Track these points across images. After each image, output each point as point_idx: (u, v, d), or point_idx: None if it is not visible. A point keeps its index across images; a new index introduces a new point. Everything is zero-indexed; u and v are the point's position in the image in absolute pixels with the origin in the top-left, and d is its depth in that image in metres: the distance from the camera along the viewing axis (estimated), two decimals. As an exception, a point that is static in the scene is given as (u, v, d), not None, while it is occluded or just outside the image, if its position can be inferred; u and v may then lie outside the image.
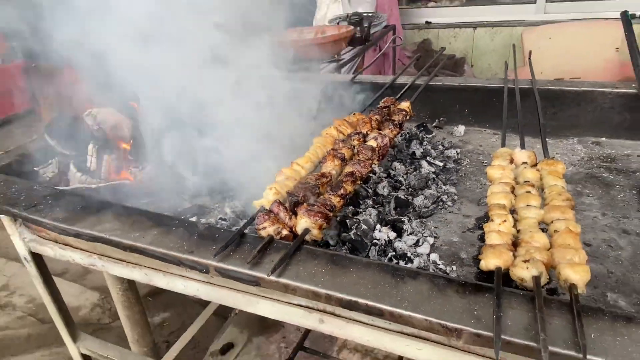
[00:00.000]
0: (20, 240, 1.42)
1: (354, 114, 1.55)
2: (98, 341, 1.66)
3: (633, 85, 1.61)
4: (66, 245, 1.34)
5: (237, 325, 2.81)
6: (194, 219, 1.33)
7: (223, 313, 2.97)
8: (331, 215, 1.03)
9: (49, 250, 1.39)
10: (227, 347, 2.64)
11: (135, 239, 1.02)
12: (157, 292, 3.46)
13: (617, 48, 3.75)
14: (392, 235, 1.16)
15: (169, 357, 2.26)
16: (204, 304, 3.33)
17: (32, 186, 1.29)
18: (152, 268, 1.21)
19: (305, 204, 1.04)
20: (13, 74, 6.28)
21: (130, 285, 2.09)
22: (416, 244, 1.13)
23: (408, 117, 1.57)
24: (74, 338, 1.65)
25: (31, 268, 1.49)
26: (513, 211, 0.98)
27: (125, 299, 2.08)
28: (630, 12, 3.75)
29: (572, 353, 0.66)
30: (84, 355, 1.69)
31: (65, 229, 1.09)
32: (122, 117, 1.42)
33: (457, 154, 1.59)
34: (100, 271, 3.85)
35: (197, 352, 2.82)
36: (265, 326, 2.78)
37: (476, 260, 1.08)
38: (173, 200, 1.44)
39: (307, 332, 1.82)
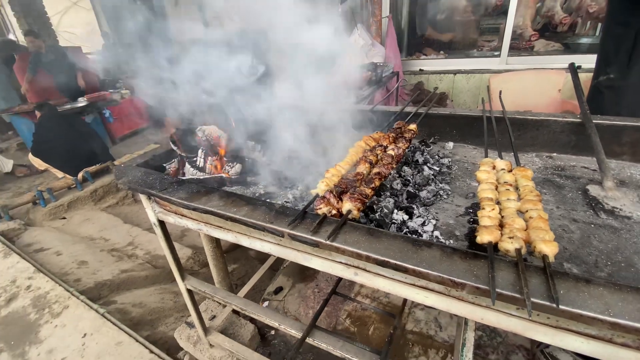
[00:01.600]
0: (152, 211, 1.47)
1: (377, 132, 1.54)
2: (198, 280, 1.70)
3: (578, 115, 1.55)
4: (183, 215, 1.38)
5: (285, 275, 2.84)
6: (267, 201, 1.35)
7: (274, 267, 3.00)
8: (366, 201, 1.03)
9: (171, 219, 1.43)
10: (278, 290, 2.67)
11: (234, 213, 1.05)
12: (228, 251, 3.52)
13: (559, 90, 3.60)
14: (406, 217, 1.16)
15: (241, 294, 2.30)
16: (261, 260, 3.38)
17: (163, 176, 1.33)
18: (240, 232, 1.24)
19: (348, 193, 1.05)
20: (138, 102, 6.52)
21: (217, 244, 2.14)
22: (423, 224, 1.12)
23: (414, 135, 1.55)
24: (183, 278, 1.70)
25: (158, 231, 1.54)
26: (497, 203, 0.96)
27: (213, 253, 2.13)
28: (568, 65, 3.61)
29: (547, 303, 0.65)
30: (188, 290, 1.74)
31: (187, 205, 1.13)
32: (221, 131, 1.46)
33: (449, 162, 1.56)
34: (192, 235, 3.92)
35: (256, 292, 2.86)
36: (304, 277, 2.80)
37: (467, 236, 1.06)
38: (252, 188, 1.47)
39: (338, 282, 1.82)
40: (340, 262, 1.06)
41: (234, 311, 2.32)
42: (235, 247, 3.58)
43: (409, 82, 4.56)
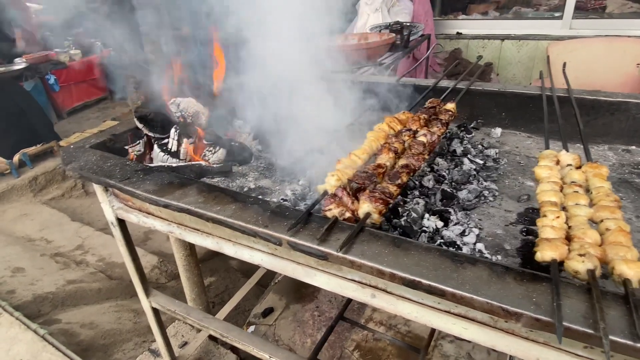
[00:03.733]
0: (109, 207, 1.46)
1: (404, 112, 1.51)
2: (166, 297, 1.70)
3: (668, 97, 1.51)
4: (149, 213, 1.37)
5: (277, 293, 2.84)
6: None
7: (261, 281, 3.00)
8: (390, 202, 1.01)
9: (133, 217, 1.42)
10: (268, 311, 2.67)
11: (218, 212, 1.03)
12: (204, 259, 3.53)
13: (638, 64, 3.55)
14: (440, 224, 1.14)
15: (220, 315, 2.30)
16: (244, 271, 3.39)
17: (124, 162, 1.32)
18: (223, 238, 1.23)
19: (367, 190, 1.03)
20: (91, 66, 6.49)
21: (192, 251, 2.13)
22: (462, 234, 1.10)
23: (452, 117, 1.52)
24: (147, 294, 1.70)
25: (116, 232, 1.53)
26: (562, 208, 0.94)
27: (187, 262, 2.13)
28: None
29: (630, 342, 0.63)
30: (154, 309, 1.73)
31: (156, 200, 1.11)
32: (201, 107, 1.44)
33: (496, 153, 1.54)
34: (158, 238, 3.94)
35: (239, 314, 2.86)
36: (301, 296, 2.80)
37: (519, 251, 1.04)
38: (239, 181, 1.45)
39: (347, 305, 1.81)
40: (354, 280, 1.05)
41: (211, 337, 2.32)
42: (213, 255, 3.58)
43: (443, 48, 4.51)
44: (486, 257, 1.02)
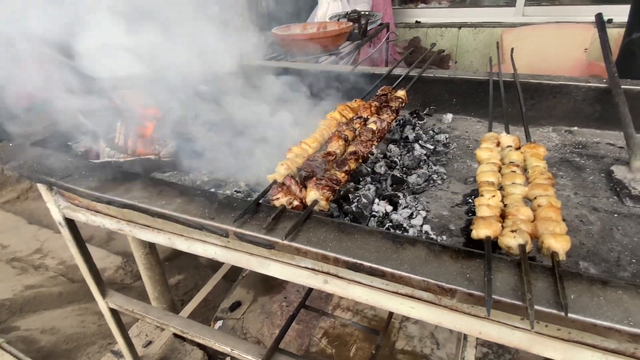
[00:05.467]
0: (56, 207, 1.40)
1: (355, 100, 1.52)
2: (124, 297, 1.65)
3: (604, 80, 1.59)
4: (97, 212, 1.32)
5: (245, 286, 2.83)
6: (211, 190, 1.32)
7: (231, 276, 2.98)
8: (337, 188, 1.02)
9: (81, 216, 1.37)
10: (236, 305, 2.66)
11: (162, 207, 1.00)
12: (171, 257, 3.47)
13: (586, 49, 3.71)
14: (389, 208, 1.16)
15: (185, 312, 2.27)
16: (214, 268, 3.35)
17: (67, 159, 1.26)
18: (174, 233, 1.20)
19: (314, 178, 1.03)
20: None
21: (151, 250, 2.08)
22: (410, 217, 1.13)
23: (403, 104, 1.54)
24: (103, 295, 1.64)
25: (65, 232, 1.47)
26: (500, 188, 0.97)
27: (147, 261, 2.08)
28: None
29: (555, 311, 0.66)
30: (111, 310, 1.68)
31: (98, 197, 1.07)
32: (148, 97, 1.39)
33: (446, 138, 1.57)
34: (122, 238, 3.85)
35: (209, 310, 2.84)
36: (269, 287, 2.79)
37: (463, 231, 1.07)
38: (192, 174, 1.42)
39: (309, 293, 1.82)
40: (306, 268, 1.05)
41: (177, 335, 2.28)
42: (180, 253, 3.52)
43: (401, 37, 4.55)
44: (431, 238, 1.04)
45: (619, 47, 2.33)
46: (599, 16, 1.76)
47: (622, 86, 1.50)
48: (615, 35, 3.90)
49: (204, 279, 3.39)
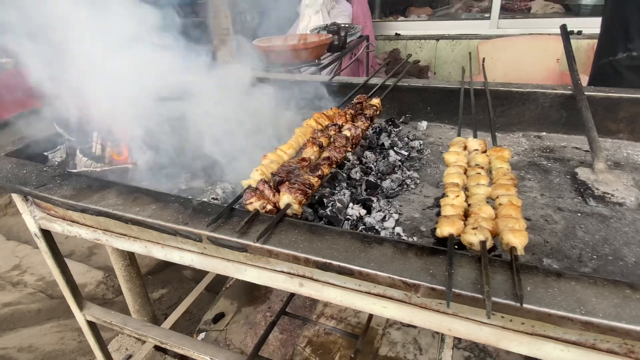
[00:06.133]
0: (31, 218, 1.39)
1: (331, 108, 1.55)
2: (102, 309, 1.63)
3: (569, 87, 1.66)
4: (73, 222, 1.32)
5: (228, 297, 2.81)
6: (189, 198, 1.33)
7: (215, 289, 2.96)
8: (310, 192, 1.04)
9: (57, 227, 1.36)
10: (219, 316, 2.63)
11: (136, 213, 1.01)
12: (155, 271, 3.43)
13: (558, 59, 3.85)
14: (363, 212, 1.18)
15: (166, 325, 2.24)
16: (199, 280, 3.32)
17: (42, 168, 1.26)
18: (151, 241, 1.20)
19: (287, 183, 1.05)
20: (18, 77, 6.08)
21: (132, 261, 2.06)
22: (383, 219, 1.15)
23: (378, 112, 1.59)
24: (81, 307, 1.62)
25: (41, 244, 1.46)
26: (465, 189, 1.01)
27: (127, 273, 2.06)
28: (568, 29, 3.83)
29: (511, 302, 0.69)
30: (89, 322, 1.66)
31: (72, 205, 1.08)
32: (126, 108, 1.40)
33: (420, 145, 1.62)
34: (104, 252, 3.79)
35: (192, 323, 2.80)
36: (253, 298, 2.78)
37: (433, 232, 1.10)
38: (170, 183, 1.43)
39: (289, 300, 1.83)
40: (282, 272, 1.07)
41: (158, 348, 2.25)
42: (164, 266, 3.49)
43: (381, 49, 4.65)
44: (402, 239, 1.07)
45: (589, 58, 2.39)
46: (563, 27, 1.85)
47: (585, 93, 1.58)
48: (585, 46, 4.06)
49: (188, 293, 3.35)
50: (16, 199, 1.37)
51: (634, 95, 1.58)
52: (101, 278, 3.38)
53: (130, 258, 2.03)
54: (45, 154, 1.43)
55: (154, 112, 1.49)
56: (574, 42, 4.04)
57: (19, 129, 1.54)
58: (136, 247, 1.24)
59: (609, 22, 2.14)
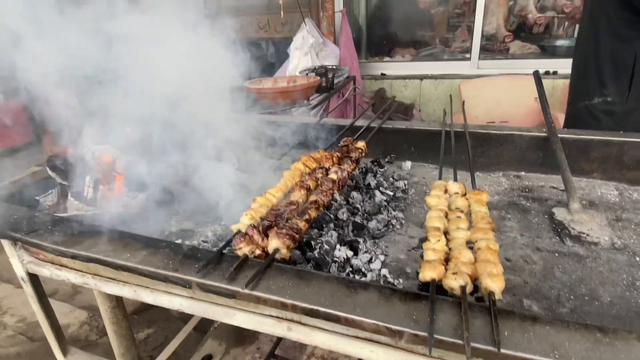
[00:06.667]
0: (19, 262, 1.38)
1: (319, 151, 1.61)
2: (87, 354, 1.60)
3: (544, 129, 1.75)
4: (62, 266, 1.32)
5: (216, 338, 2.75)
6: (179, 241, 1.35)
7: (202, 328, 2.90)
8: (297, 237, 1.07)
9: (46, 271, 1.36)
10: (207, 358, 2.57)
11: (127, 259, 1.03)
12: (141, 310, 3.36)
13: (536, 98, 4.02)
14: (350, 253, 1.21)
15: (152, 368, 2.18)
16: (186, 320, 3.25)
17: (33, 213, 1.28)
18: (140, 285, 1.21)
19: (275, 227, 1.08)
20: (14, 110, 6.11)
21: (118, 303, 2.03)
22: (370, 261, 1.19)
23: (363, 154, 1.65)
24: (64, 352, 1.59)
25: (27, 288, 1.45)
26: (446, 233, 1.06)
27: (113, 315, 2.02)
28: (544, 70, 4.06)
29: (490, 348, 0.72)
30: (73, 369, 1.62)
31: (63, 252, 1.09)
32: (118, 153, 1.44)
33: (405, 185, 1.67)
34: (88, 291, 3.71)
35: (180, 366, 2.73)
36: (241, 338, 2.73)
37: (418, 274, 1.14)
38: (161, 225, 1.45)
39: (278, 342, 1.81)
40: (270, 316, 1.08)
41: (143, 393, 2.18)
42: (151, 305, 3.42)
43: (367, 88, 4.83)
44: (389, 281, 1.10)
45: (565, 96, 2.50)
46: (536, 73, 1.97)
47: (559, 135, 1.67)
48: (561, 85, 4.27)
49: (175, 333, 3.26)
50: (4, 243, 1.37)
51: (603, 138, 1.67)
52: (85, 318, 3.29)
53: (117, 299, 2.00)
54: (37, 198, 1.45)
55: (145, 155, 1.54)
56: (550, 81, 4.28)
57: (8, 171, 1.57)
58: (125, 292, 1.24)
59: (583, 69, 2.24)
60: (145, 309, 3.40)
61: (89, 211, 1.38)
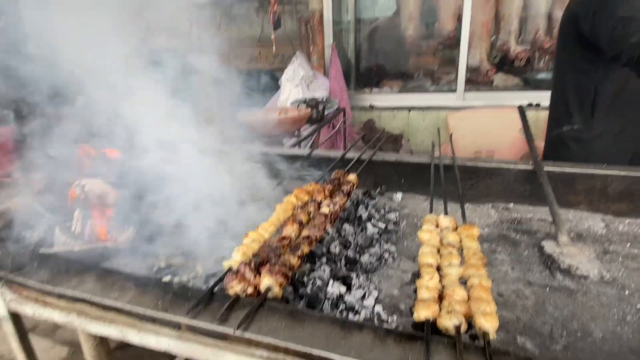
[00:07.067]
0: (1, 299, 1.33)
1: (311, 183, 1.62)
2: (68, 397, 1.52)
3: (530, 162, 1.79)
4: (46, 304, 1.27)
5: (204, 375, 2.64)
6: (168, 277, 1.32)
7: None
8: (290, 274, 1.06)
9: (29, 310, 1.31)
10: (194, 397, 2.46)
11: (115, 299, 1.00)
12: (124, 346, 3.23)
13: (521, 129, 4.13)
14: (343, 289, 1.20)
15: (136, 409, 2.08)
16: (173, 356, 3.14)
17: (19, 250, 1.24)
18: (127, 325, 1.17)
19: (268, 264, 1.07)
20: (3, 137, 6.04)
21: (101, 339, 1.96)
22: (363, 297, 1.17)
23: (354, 187, 1.66)
24: (44, 395, 1.51)
25: (8, 326, 1.39)
26: (439, 268, 1.05)
27: (96, 352, 1.94)
28: (529, 102, 4.20)
29: (487, 391, 0.71)
30: (52, 412, 1.54)
31: (49, 291, 1.06)
32: (108, 187, 1.42)
33: (397, 217, 1.68)
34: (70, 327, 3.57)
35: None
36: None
37: (412, 311, 1.12)
38: (150, 260, 1.42)
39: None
40: (262, 357, 1.04)
41: None
42: (136, 339, 3.31)
43: (359, 119, 4.91)
44: (382, 319, 1.08)
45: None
46: (520, 108, 2.04)
47: (545, 168, 1.70)
48: (544, 116, 4.36)
49: (160, 369, 3.15)
50: (-14, 280, 1.33)
51: (587, 171, 1.72)
52: (65, 354, 3.16)
53: (100, 337, 1.93)
54: (23, 233, 1.42)
55: (133, 188, 1.52)
56: (534, 113, 4.40)
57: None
58: (111, 331, 1.19)
59: (554, 101, 2.47)
60: (129, 345, 3.27)
61: (76, 247, 1.35)
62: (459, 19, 4.76)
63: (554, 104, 2.48)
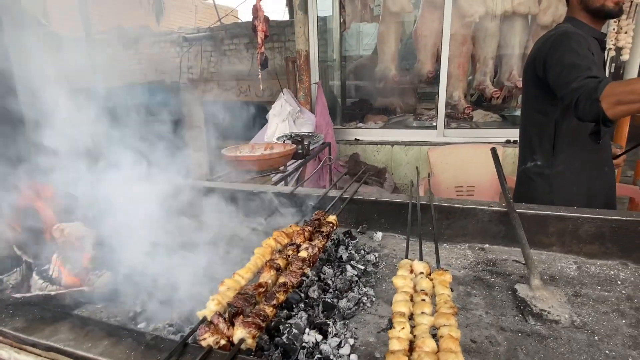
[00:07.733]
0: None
1: (290, 225, 1.63)
2: None
3: (503, 204, 1.83)
4: (21, 349, 1.24)
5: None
6: (143, 324, 1.29)
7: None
8: (264, 325, 1.05)
9: (4, 354, 1.27)
10: None
11: (87, 350, 0.98)
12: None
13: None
14: (319, 337, 1.19)
15: None
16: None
17: (-8, 296, 1.22)
18: (99, 374, 1.14)
19: (241, 315, 1.06)
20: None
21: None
22: (339, 346, 1.16)
23: (335, 228, 1.67)
24: None
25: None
26: (411, 317, 1.06)
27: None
28: (507, 139, 4.35)
29: None
30: None
31: (23, 339, 1.04)
32: (87, 231, 1.41)
33: (376, 257, 1.69)
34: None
35: None
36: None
37: (387, 358, 1.12)
38: (127, 304, 1.39)
39: None
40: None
41: None
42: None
43: (344, 152, 4.99)
44: (356, 371, 1.08)
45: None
46: (493, 151, 2.10)
47: (517, 210, 1.74)
48: (521, 153, 4.54)
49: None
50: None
51: (558, 213, 1.76)
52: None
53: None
54: (0, 277, 1.39)
55: (108, 230, 1.51)
56: (511, 149, 4.53)
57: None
58: (83, 381, 1.16)
59: (522, 138, 2.62)
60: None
61: (52, 291, 1.32)
62: (437, 59, 4.97)
63: (521, 141, 2.65)
